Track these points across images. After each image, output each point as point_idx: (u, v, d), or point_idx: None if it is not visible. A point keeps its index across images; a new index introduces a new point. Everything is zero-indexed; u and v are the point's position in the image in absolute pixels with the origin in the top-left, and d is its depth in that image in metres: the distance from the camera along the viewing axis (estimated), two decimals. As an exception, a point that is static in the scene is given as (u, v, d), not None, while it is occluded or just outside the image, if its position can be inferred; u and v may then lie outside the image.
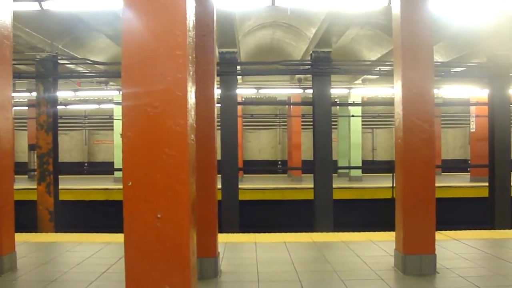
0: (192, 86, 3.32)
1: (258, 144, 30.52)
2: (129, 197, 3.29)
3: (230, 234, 9.39)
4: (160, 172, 3.25)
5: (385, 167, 26.29)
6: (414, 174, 6.38)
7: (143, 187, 3.28)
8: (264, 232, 9.73)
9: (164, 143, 3.25)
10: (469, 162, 24.78)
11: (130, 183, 3.27)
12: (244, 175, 24.25)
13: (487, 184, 15.71)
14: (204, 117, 5.69)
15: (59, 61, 15.18)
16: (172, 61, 3.24)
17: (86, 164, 30.72)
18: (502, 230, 10.14)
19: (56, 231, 13.82)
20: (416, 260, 6.35)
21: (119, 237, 9.05)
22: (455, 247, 7.85)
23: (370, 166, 28.65)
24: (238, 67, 15.07)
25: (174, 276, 3.24)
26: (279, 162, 30.01)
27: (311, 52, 14.84)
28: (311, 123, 14.94)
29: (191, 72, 3.28)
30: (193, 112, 3.36)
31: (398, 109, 6.50)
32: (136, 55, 3.27)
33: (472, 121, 21.78)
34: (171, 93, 3.24)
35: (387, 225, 9.57)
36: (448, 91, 20.07)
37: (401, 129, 6.42)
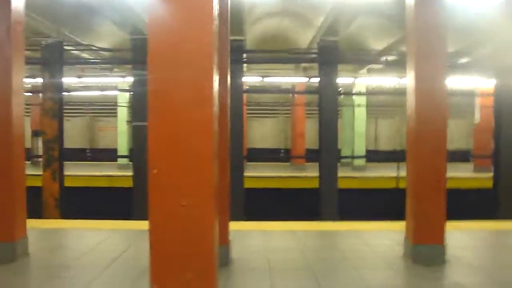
0: (216, 75, 3.33)
1: (261, 132, 30.45)
2: (154, 184, 3.30)
3: (237, 222, 9.36)
4: (185, 161, 3.26)
5: (389, 157, 26.30)
6: (425, 164, 6.40)
7: (168, 175, 3.29)
8: (267, 220, 9.77)
9: (190, 132, 3.25)
10: (472, 152, 24.77)
11: (155, 171, 3.28)
12: (247, 162, 24.24)
13: (491, 174, 15.73)
14: (220, 106, 5.69)
15: (65, 47, 15.13)
16: (199, 49, 3.23)
17: (88, 151, 30.63)
18: (506, 221, 10.15)
19: (62, 218, 13.83)
20: (426, 249, 6.38)
21: (125, 224, 9.16)
22: (462, 237, 7.89)
23: (374, 156, 28.56)
24: (244, 55, 15.03)
25: (197, 264, 3.26)
26: (282, 150, 29.96)
27: (318, 40, 14.81)
28: (315, 112, 14.95)
29: (215, 61, 3.29)
30: (217, 101, 3.38)
31: (410, 99, 6.50)
32: (163, 43, 3.27)
33: (477, 112, 21.75)
34: (198, 82, 3.24)
35: (391, 215, 9.59)
36: (454, 81, 19.99)
37: (413, 119, 6.43)
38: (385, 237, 8.05)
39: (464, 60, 16.94)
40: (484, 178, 17.90)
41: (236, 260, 6.52)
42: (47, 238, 8.15)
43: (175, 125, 3.28)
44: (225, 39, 5.82)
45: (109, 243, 7.67)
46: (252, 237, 8.06)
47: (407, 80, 6.68)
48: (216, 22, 3.27)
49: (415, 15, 6.37)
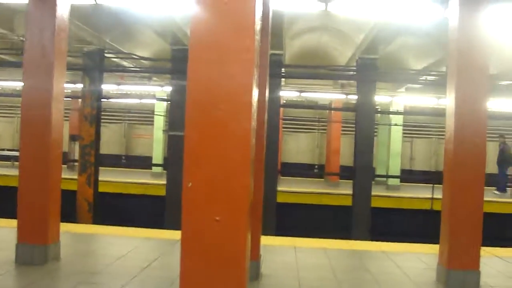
0: (256, 90, 3.32)
1: (296, 147, 30.36)
2: (189, 198, 3.29)
3: (268, 237, 9.30)
4: (221, 175, 3.24)
5: (424, 177, 25.99)
6: (463, 188, 6.30)
7: (203, 189, 3.27)
8: (298, 235, 9.70)
9: (227, 146, 3.24)
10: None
11: (190, 184, 3.27)
12: (281, 177, 24.15)
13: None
14: (257, 120, 5.68)
15: (106, 55, 15.34)
16: (239, 65, 3.23)
17: (123, 157, 30.87)
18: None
19: (94, 223, 13.96)
20: (460, 275, 6.26)
21: (157, 233, 9.17)
22: (497, 265, 7.73)
23: (409, 176, 28.19)
24: (283, 69, 15.04)
25: (229, 280, 3.23)
26: (316, 166, 29.81)
27: (357, 58, 14.74)
28: (351, 129, 14.89)
29: (256, 76, 3.28)
30: (255, 116, 3.36)
31: (450, 121, 6.41)
32: (203, 57, 3.27)
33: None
34: (237, 97, 3.24)
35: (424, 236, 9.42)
36: (494, 104, 19.65)
37: (452, 141, 6.32)
38: (417, 260, 7.92)
39: (505, 82, 16.66)
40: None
41: (266, 276, 6.48)
42: (79, 243, 8.22)
43: (212, 139, 3.26)
44: (265, 53, 5.83)
45: (139, 251, 7.69)
46: (282, 253, 7.99)
47: (447, 102, 6.59)
48: (257, 37, 3.27)
49: (458, 37, 6.29)
